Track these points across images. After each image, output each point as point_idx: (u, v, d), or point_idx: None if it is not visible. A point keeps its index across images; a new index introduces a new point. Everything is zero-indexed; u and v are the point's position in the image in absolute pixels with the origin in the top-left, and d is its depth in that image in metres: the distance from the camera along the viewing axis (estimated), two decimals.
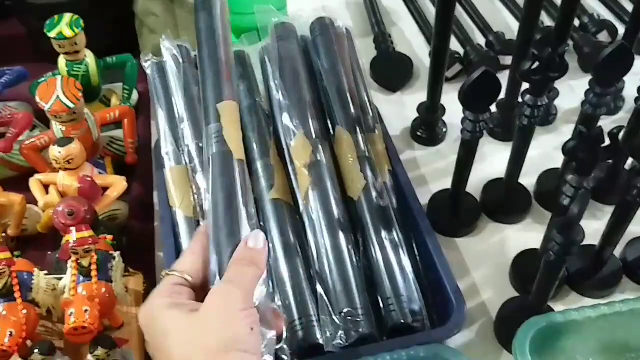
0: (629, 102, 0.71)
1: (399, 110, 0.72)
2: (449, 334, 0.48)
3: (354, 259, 0.51)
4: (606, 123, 0.54)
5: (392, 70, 0.75)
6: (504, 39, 0.75)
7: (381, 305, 0.50)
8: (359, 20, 0.83)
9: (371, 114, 0.61)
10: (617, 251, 0.57)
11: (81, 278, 0.46)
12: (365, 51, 0.78)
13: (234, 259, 0.40)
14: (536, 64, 0.50)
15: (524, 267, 0.56)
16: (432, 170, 0.66)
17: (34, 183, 0.57)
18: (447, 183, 0.59)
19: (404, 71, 0.75)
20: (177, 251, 0.53)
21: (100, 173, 0.59)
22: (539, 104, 0.51)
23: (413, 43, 0.80)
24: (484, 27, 0.78)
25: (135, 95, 0.71)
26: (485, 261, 0.58)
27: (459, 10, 0.82)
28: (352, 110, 0.58)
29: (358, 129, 0.58)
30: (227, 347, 0.35)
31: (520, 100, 0.53)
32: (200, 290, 0.40)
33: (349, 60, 0.63)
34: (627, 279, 0.56)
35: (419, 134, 0.68)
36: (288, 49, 0.61)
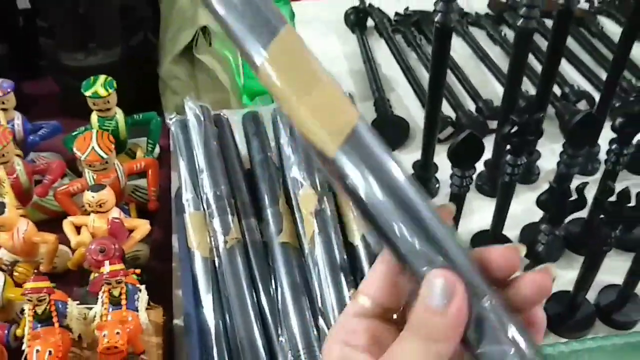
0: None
1: None
2: None
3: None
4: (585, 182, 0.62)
5: (390, 132, 0.83)
6: (492, 106, 0.83)
7: None
8: (361, 87, 0.92)
9: None
10: (593, 297, 0.63)
11: (111, 307, 0.52)
12: (366, 114, 0.86)
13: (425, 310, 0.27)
14: (515, 128, 0.57)
15: None
16: None
17: (67, 224, 0.63)
18: None
19: (400, 132, 0.83)
20: (195, 288, 0.59)
21: (125, 217, 0.66)
22: (518, 162, 0.58)
23: (410, 107, 0.88)
24: (474, 94, 0.86)
25: (157, 149, 0.78)
26: None
27: (452, 79, 0.91)
28: None
29: None
30: None
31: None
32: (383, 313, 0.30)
33: None
34: (600, 322, 0.62)
35: None
36: None
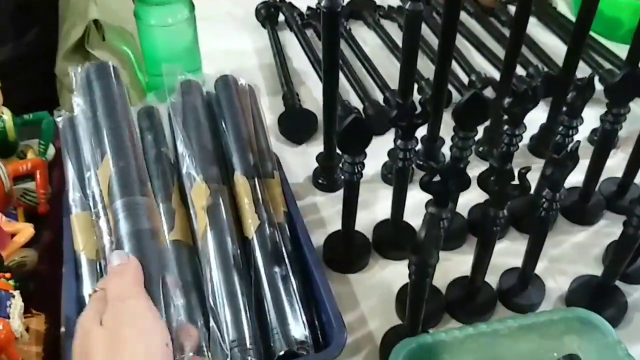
0: None
1: (303, 160, 0.77)
2: (330, 357, 0.52)
3: (245, 293, 0.55)
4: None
5: (298, 125, 0.81)
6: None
7: (270, 334, 0.53)
8: (270, 81, 0.90)
9: (270, 161, 0.66)
10: (495, 281, 0.63)
11: None
12: (275, 107, 0.85)
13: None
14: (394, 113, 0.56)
15: (406, 297, 0.61)
16: (331, 214, 0.71)
17: None
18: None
19: (308, 125, 0.81)
20: (79, 292, 0.56)
21: (9, 221, 0.62)
22: (409, 147, 0.58)
23: (319, 100, 0.86)
24: (382, 85, 0.86)
25: (51, 150, 0.74)
26: (374, 294, 0.62)
27: (362, 71, 0.90)
28: (251, 157, 0.63)
29: (256, 174, 0.63)
30: None
31: None
32: None
33: (250, 113, 0.68)
34: (502, 306, 0.62)
35: (319, 181, 0.74)
36: (192, 102, 0.66)
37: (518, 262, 0.62)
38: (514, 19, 0.71)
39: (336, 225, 0.69)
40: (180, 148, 0.63)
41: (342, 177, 0.58)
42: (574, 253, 0.67)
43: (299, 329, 0.53)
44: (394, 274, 0.64)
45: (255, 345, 0.52)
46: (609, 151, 0.66)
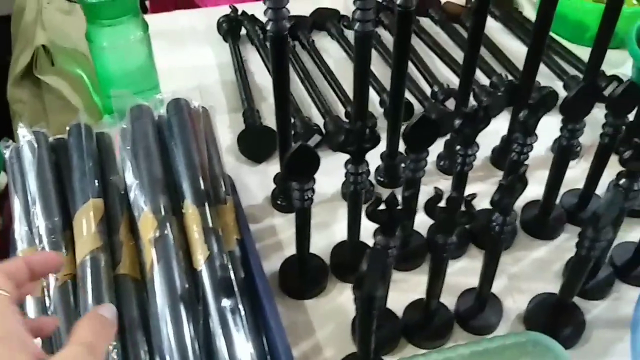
0: None
1: (262, 179, 0.76)
2: None
3: (192, 330, 0.53)
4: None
5: (258, 143, 0.80)
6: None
7: None
8: (232, 97, 0.89)
9: (223, 187, 0.65)
10: (453, 302, 0.62)
11: None
12: (237, 125, 0.83)
13: (84, 322, 0.39)
14: (346, 137, 0.55)
15: None
16: (289, 236, 0.70)
17: None
18: None
19: (269, 143, 0.80)
20: None
21: None
22: (359, 171, 0.56)
23: None
24: (345, 100, 0.84)
25: (3, 179, 0.73)
26: (330, 320, 0.61)
27: (325, 84, 0.89)
28: (202, 184, 0.62)
29: (207, 202, 0.61)
30: None
31: None
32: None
33: (203, 138, 0.67)
34: (460, 328, 0.61)
35: (278, 202, 0.73)
36: (142, 128, 0.65)
37: (477, 281, 0.61)
38: (469, 27, 0.70)
39: (294, 248, 0.67)
40: (129, 177, 0.62)
41: (294, 204, 0.56)
42: (534, 269, 0.67)
43: None
44: (351, 298, 0.63)
45: None
46: (567, 164, 0.65)
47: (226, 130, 0.83)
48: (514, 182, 0.50)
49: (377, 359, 0.56)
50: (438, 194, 0.50)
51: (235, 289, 0.57)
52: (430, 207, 0.51)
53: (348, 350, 0.58)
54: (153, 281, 0.56)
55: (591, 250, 0.52)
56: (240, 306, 0.56)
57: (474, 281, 0.62)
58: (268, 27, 0.58)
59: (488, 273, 0.57)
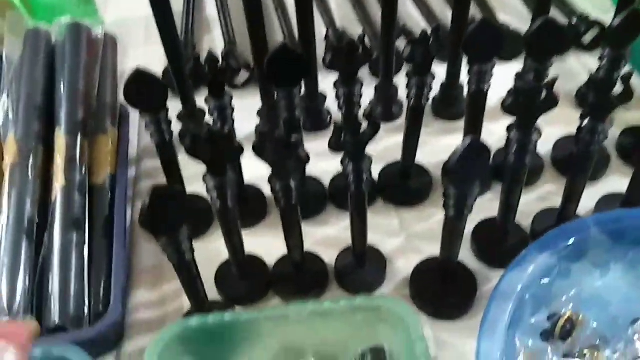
0: None
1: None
2: (94, 334, 0.47)
3: (31, 259, 0.51)
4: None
5: None
6: None
7: (47, 304, 0.50)
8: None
9: (110, 118, 0.62)
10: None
11: None
12: None
13: None
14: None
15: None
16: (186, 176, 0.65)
17: None
18: None
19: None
20: None
21: None
22: None
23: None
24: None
25: None
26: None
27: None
28: (80, 113, 0.59)
29: (81, 132, 0.58)
30: None
31: None
32: None
33: (97, 66, 0.63)
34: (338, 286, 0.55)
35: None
36: (32, 54, 0.62)
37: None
38: None
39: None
40: (6, 101, 0.59)
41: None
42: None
43: (78, 302, 0.49)
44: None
45: (27, 314, 0.49)
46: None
47: (158, 63, 0.79)
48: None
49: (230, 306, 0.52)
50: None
51: (87, 225, 0.54)
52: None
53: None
54: (2, 209, 0.53)
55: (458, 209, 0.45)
56: (87, 242, 0.53)
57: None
58: None
59: (356, 228, 0.51)
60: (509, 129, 0.47)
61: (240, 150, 0.45)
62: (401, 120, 0.70)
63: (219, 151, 0.44)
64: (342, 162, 0.45)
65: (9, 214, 0.53)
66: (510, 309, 0.46)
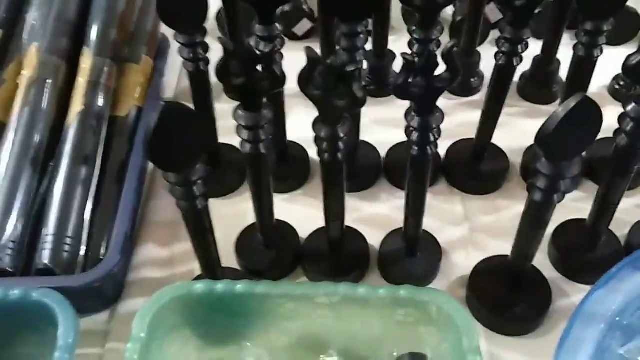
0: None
1: None
2: (78, 283, 0.40)
3: (32, 189, 0.44)
4: None
5: None
6: None
7: (41, 241, 0.43)
8: None
9: (145, 46, 0.54)
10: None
11: None
12: None
13: None
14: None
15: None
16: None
17: None
18: None
19: None
20: None
21: None
22: None
23: None
24: None
25: None
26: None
27: None
28: (112, 34, 0.52)
29: (111, 55, 0.51)
30: None
31: None
32: None
33: None
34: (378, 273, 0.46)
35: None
36: None
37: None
38: None
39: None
40: (35, 14, 0.53)
41: None
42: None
43: (74, 246, 0.42)
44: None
45: (16, 250, 0.42)
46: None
47: None
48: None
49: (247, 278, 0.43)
50: None
51: (100, 160, 0.46)
52: None
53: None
54: (12, 127, 0.47)
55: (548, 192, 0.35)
56: (97, 178, 0.45)
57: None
58: None
59: (412, 206, 0.41)
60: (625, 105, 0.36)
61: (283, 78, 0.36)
62: (479, 96, 0.60)
63: (255, 78, 0.35)
64: (405, 115, 0.35)
65: (15, 136, 0.46)
66: (597, 333, 0.36)
